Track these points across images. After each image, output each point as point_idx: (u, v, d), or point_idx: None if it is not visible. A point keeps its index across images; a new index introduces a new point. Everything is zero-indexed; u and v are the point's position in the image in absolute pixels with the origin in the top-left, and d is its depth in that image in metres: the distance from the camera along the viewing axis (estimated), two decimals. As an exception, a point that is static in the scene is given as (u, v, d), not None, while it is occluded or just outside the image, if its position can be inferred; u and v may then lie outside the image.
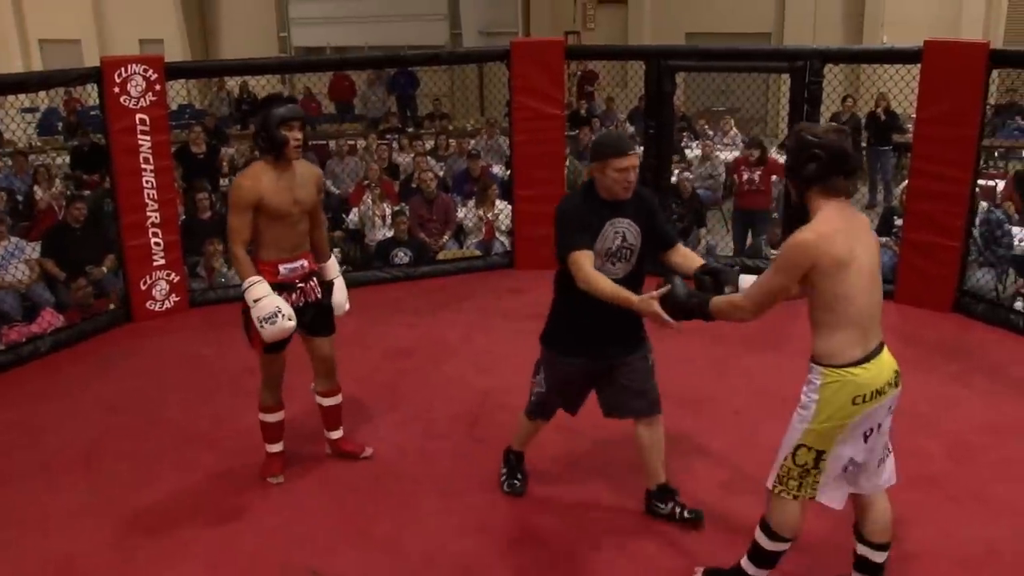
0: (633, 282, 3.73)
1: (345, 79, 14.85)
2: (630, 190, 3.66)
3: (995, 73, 6.43)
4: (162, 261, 6.68)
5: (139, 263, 6.60)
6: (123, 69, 6.32)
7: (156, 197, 6.57)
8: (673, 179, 8.36)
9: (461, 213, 8.72)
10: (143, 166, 6.47)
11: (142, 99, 6.40)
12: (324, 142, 11.74)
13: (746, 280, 3.46)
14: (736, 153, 10.10)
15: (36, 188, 9.15)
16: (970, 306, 6.44)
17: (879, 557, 3.37)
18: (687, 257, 3.80)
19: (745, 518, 4.01)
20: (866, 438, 3.16)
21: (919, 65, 6.39)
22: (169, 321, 6.66)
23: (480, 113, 14.92)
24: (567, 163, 8.20)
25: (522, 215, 7.65)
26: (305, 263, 4.22)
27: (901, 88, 7.12)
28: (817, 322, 3.09)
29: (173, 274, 6.76)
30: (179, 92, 9.39)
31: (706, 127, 11.98)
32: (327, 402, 4.50)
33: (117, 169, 6.46)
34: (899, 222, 7.11)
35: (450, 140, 11.32)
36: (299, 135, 4.03)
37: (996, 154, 11.28)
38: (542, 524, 4.05)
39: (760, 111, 13.29)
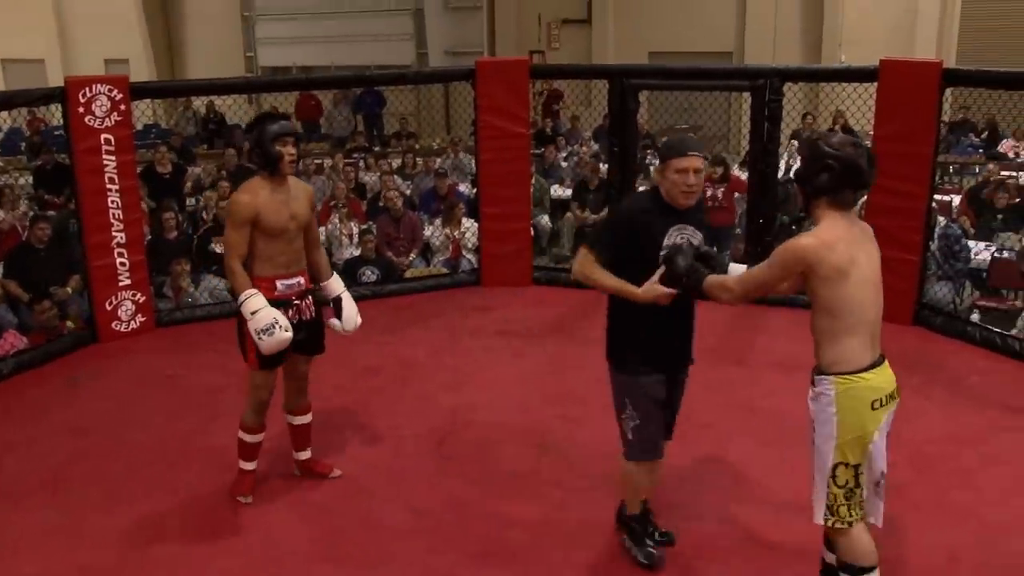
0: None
1: (311, 99, 14.86)
2: (691, 195, 3.43)
3: (948, 91, 6.58)
4: (128, 281, 6.64)
5: (104, 283, 6.56)
6: (88, 89, 6.31)
7: (122, 217, 6.53)
8: (638, 196, 8.44)
9: (428, 231, 8.76)
10: (108, 186, 6.44)
11: (107, 119, 6.38)
12: (291, 162, 11.67)
13: (735, 268, 3.50)
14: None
15: (-2, 209, 9.06)
16: (929, 319, 6.56)
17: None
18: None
19: (721, 536, 4.08)
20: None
21: (875, 84, 6.54)
22: (135, 342, 6.62)
23: (446, 132, 14.97)
24: (533, 181, 8.28)
25: (488, 233, 7.70)
26: (302, 280, 4.23)
27: (859, 106, 7.27)
28: (821, 331, 3.09)
29: (139, 294, 6.72)
30: (145, 112, 9.37)
31: (669, 145, 12.08)
32: (298, 420, 4.50)
33: (82, 189, 6.42)
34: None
35: (417, 159, 11.36)
36: (293, 150, 4.06)
37: (951, 170, 11.50)
38: (512, 540, 4.07)
39: (722, 129, 13.43)
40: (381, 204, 8.98)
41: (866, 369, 3.05)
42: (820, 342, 3.11)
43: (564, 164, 11.54)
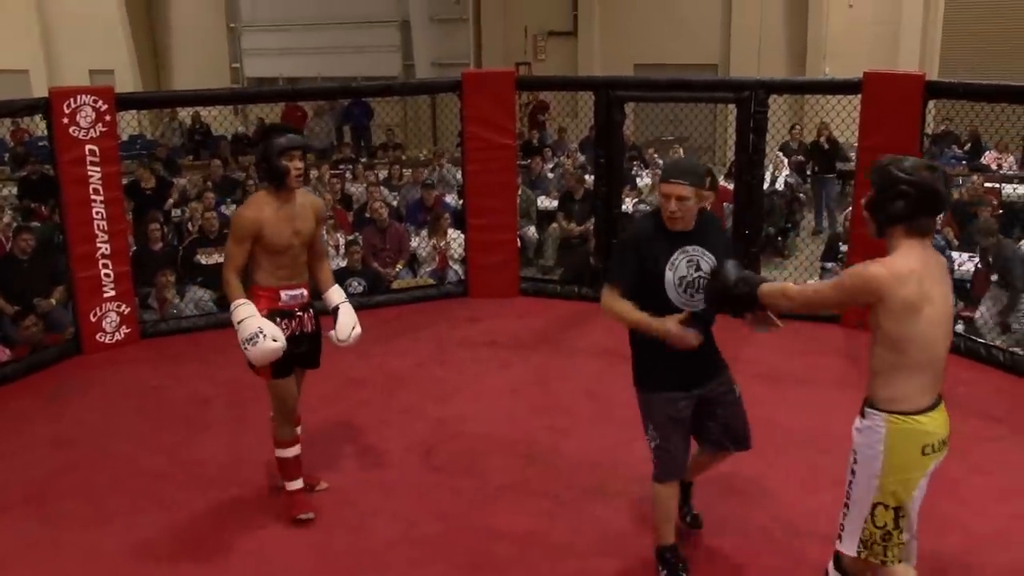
0: (712, 313, 3.56)
1: (298, 110, 14.87)
2: (674, 220, 3.45)
3: (931, 103, 6.63)
4: (112, 292, 6.61)
5: (89, 295, 6.52)
6: (72, 100, 6.29)
7: (106, 228, 6.50)
8: (625, 208, 8.47)
9: (415, 242, 8.76)
10: (93, 197, 6.41)
11: (91, 130, 6.36)
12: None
13: (768, 287, 3.25)
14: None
15: (-18, 219, 9.03)
16: (914, 329, 6.58)
17: None
18: None
19: (713, 545, 4.08)
20: None
21: (859, 96, 6.58)
22: (120, 353, 6.58)
23: (433, 143, 15.01)
24: (519, 192, 8.30)
25: (475, 244, 7.70)
26: (304, 292, 4.20)
27: (843, 118, 7.32)
28: (880, 363, 2.92)
29: (124, 305, 6.69)
30: (130, 123, 9.35)
31: (656, 156, 12.16)
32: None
33: (66, 200, 6.40)
34: (844, 248, 7.28)
35: (403, 170, 11.37)
36: (300, 164, 4.01)
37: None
38: (500, 552, 4.06)
39: (708, 140, 13.53)
40: (367, 215, 8.98)
41: (923, 411, 2.91)
42: (878, 374, 2.94)
43: (551, 175, 11.56)
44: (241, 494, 4.52)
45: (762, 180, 7.41)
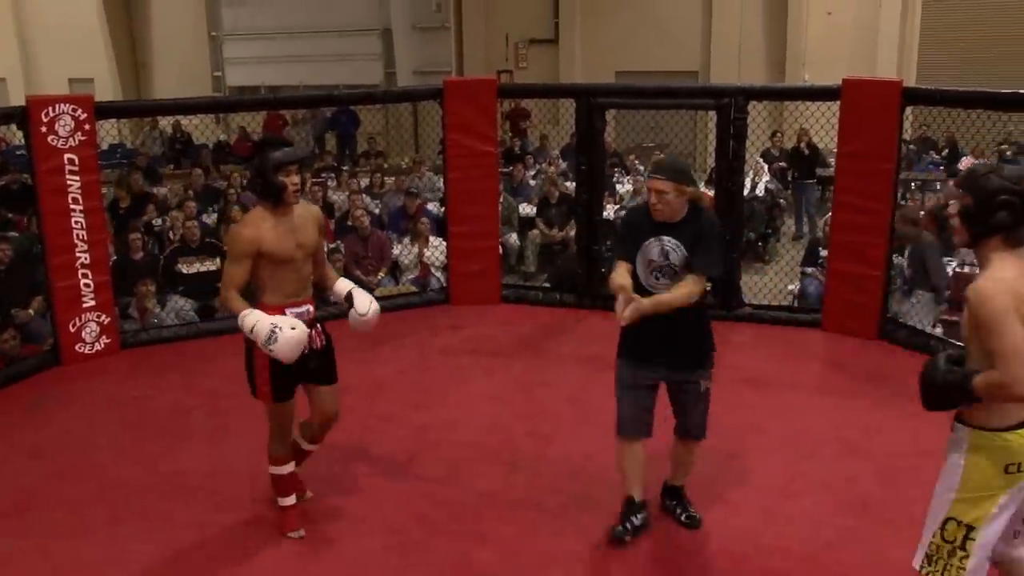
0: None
1: (279, 118, 14.87)
2: (656, 212, 3.85)
3: (909, 109, 6.69)
4: (92, 303, 6.56)
5: (68, 305, 6.47)
6: (51, 108, 6.25)
7: (86, 238, 6.45)
8: (606, 214, 8.50)
9: (397, 250, 8.75)
10: (72, 206, 6.37)
11: (71, 139, 6.32)
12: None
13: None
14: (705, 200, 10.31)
15: (-41, 230, 8.94)
16: (894, 333, 6.64)
17: None
18: (680, 286, 3.84)
19: (687, 546, 4.09)
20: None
21: (838, 102, 6.63)
22: (100, 364, 6.53)
23: (415, 151, 15.02)
24: (501, 199, 8.30)
25: (457, 251, 7.70)
26: (311, 308, 4.05)
27: (822, 124, 7.37)
28: None
29: (104, 316, 6.64)
30: (110, 131, 9.30)
31: (637, 162, 12.20)
32: (308, 447, 4.34)
33: (44, 209, 6.35)
34: (824, 253, 7.32)
35: (385, 178, 11.36)
36: (297, 179, 3.87)
37: (913, 186, 11.69)
38: (483, 559, 4.05)
39: (689, 146, 13.59)
40: (349, 223, 8.96)
41: (1012, 428, 2.81)
42: None
43: (532, 182, 11.59)
44: (224, 504, 4.49)
45: (742, 186, 7.45)
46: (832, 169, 7.84)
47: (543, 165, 12.49)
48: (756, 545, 4.11)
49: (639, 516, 4.14)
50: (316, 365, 4.06)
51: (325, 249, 4.46)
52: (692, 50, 15.84)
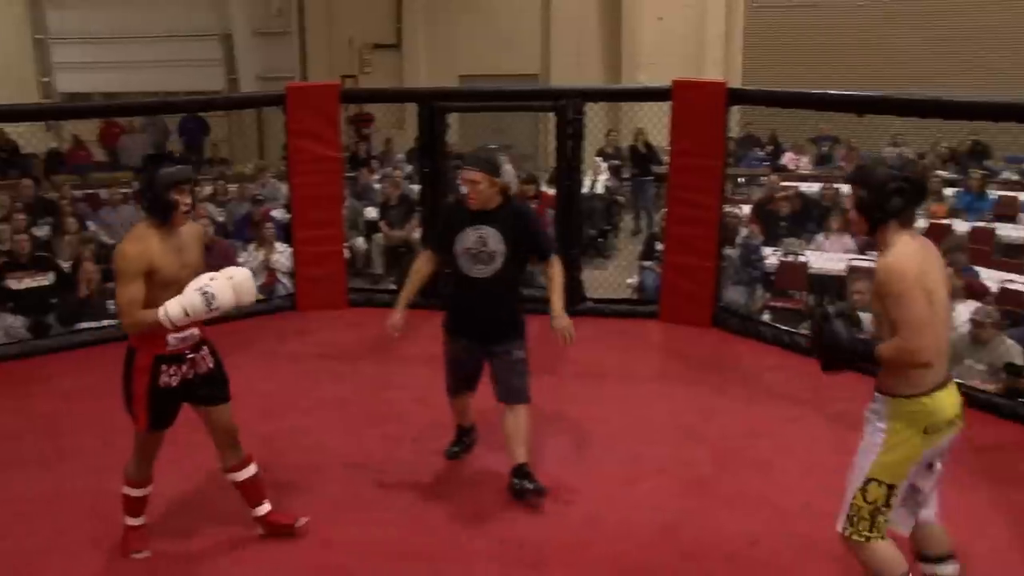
0: (499, 283, 4.33)
1: (115, 126, 14.32)
2: (473, 200, 4.25)
3: (734, 109, 7.06)
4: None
5: None
6: None
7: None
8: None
9: (242, 258, 8.59)
10: None
11: None
12: (96, 191, 11.26)
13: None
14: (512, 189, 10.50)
15: None
16: (726, 321, 6.99)
17: (948, 569, 3.35)
18: (553, 276, 4.37)
19: (535, 538, 4.21)
20: (931, 467, 3.19)
21: (669, 102, 6.93)
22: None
23: (260, 157, 14.75)
24: (347, 204, 8.28)
25: (302, 257, 7.64)
26: (196, 331, 3.88)
27: (654, 123, 7.67)
28: None
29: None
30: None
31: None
32: (242, 476, 4.12)
33: None
34: (660, 247, 7.64)
35: (229, 185, 11.13)
36: (189, 200, 3.70)
37: (740, 181, 12.30)
38: (335, 562, 4.06)
39: (532, 148, 13.86)
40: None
41: (926, 393, 3.04)
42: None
43: (378, 186, 11.58)
44: (64, 529, 4.32)
45: (580, 184, 7.68)
46: (666, 166, 8.18)
47: (389, 169, 12.49)
48: (600, 531, 4.26)
49: (468, 437, 4.89)
50: (207, 391, 3.93)
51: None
52: (533, 54, 16.14)
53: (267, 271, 8.37)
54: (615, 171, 12.09)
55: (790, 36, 15.21)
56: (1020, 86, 12.51)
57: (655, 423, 5.46)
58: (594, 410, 5.58)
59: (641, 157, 11.68)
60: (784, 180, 10.54)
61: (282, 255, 8.35)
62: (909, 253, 3.01)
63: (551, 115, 7.43)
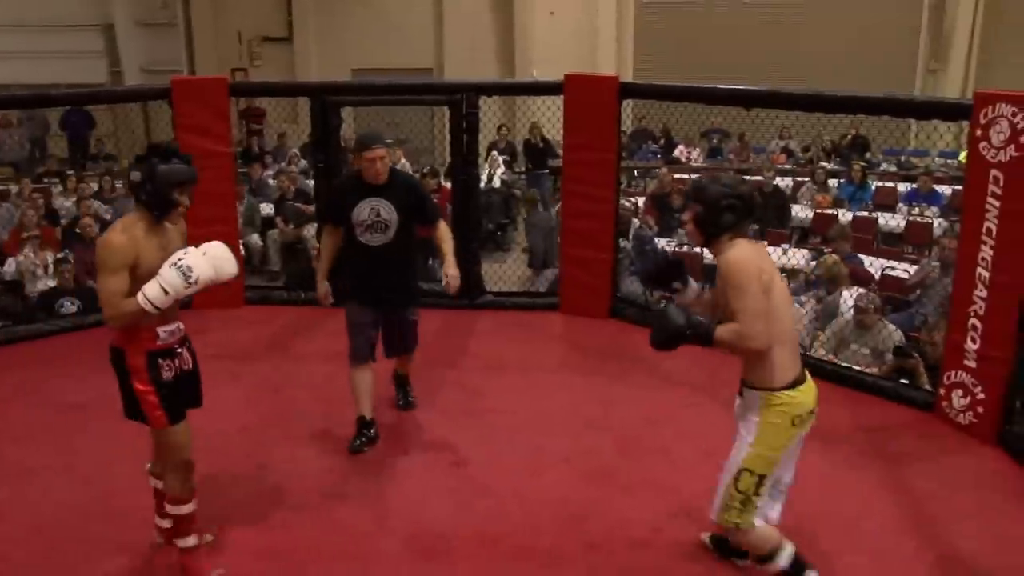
0: (394, 251, 4.73)
1: (-9, 120, 13.72)
2: (379, 176, 4.60)
3: (627, 103, 7.17)
4: None
5: None
6: None
7: None
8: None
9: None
10: None
11: None
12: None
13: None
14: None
15: None
16: (624, 311, 7.11)
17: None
18: (442, 239, 4.81)
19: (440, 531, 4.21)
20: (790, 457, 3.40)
21: (562, 97, 7.00)
22: None
23: (146, 153, 14.30)
24: (245, 200, 8.10)
25: (196, 256, 7.45)
26: (181, 325, 3.74)
27: (548, 117, 7.73)
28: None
29: None
30: None
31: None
32: (162, 484, 3.93)
33: None
34: (558, 240, 7.72)
35: (115, 182, 10.77)
36: (188, 201, 3.57)
37: (635, 174, 12.54)
38: (232, 563, 3.99)
39: (428, 142, 13.82)
40: (77, 231, 8.45)
41: (791, 386, 3.27)
42: (748, 357, 3.28)
43: (272, 182, 11.39)
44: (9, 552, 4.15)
45: (478, 178, 7.71)
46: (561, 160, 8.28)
47: (283, 164, 12.30)
48: (507, 523, 4.29)
49: (371, 430, 4.95)
50: (192, 389, 3.81)
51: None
52: (426, 48, 16.11)
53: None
54: (508, 165, 12.18)
55: (681, 32, 15.56)
56: (893, 83, 13.12)
57: (557, 414, 5.51)
58: (496, 402, 5.61)
59: (537, 151, 11.77)
60: (676, 173, 10.78)
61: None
62: (746, 251, 3.25)
63: (446, 109, 7.41)
